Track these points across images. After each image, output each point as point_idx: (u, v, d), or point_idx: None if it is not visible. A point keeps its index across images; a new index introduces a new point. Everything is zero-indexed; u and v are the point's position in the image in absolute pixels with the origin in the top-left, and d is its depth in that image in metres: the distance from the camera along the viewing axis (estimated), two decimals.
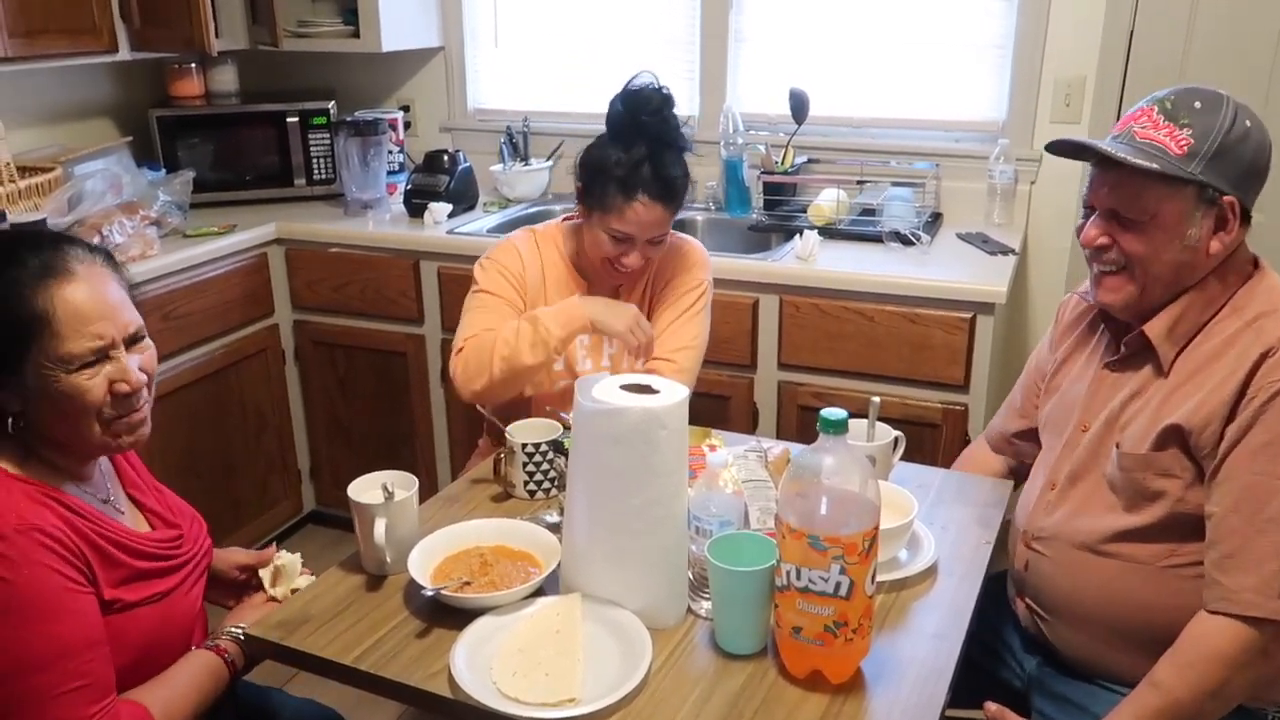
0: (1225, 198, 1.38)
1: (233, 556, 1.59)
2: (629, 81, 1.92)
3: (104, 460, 1.40)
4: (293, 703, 1.66)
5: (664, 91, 1.90)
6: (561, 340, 1.85)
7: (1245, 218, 1.41)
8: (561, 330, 1.84)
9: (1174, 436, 1.38)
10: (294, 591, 1.52)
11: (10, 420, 1.27)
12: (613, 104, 1.93)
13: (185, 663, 1.37)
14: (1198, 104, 1.39)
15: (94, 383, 1.27)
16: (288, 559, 1.55)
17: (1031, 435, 1.71)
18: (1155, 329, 1.44)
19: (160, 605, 1.35)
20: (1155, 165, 1.37)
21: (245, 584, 1.58)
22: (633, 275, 1.99)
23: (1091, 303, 1.57)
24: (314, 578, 1.53)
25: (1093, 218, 1.47)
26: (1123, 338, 1.51)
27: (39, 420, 1.28)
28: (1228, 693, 1.33)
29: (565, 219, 2.10)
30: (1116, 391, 1.50)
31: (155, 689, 1.31)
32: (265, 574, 1.55)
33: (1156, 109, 1.41)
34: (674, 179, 1.91)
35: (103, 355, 1.28)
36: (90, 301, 1.26)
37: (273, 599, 1.52)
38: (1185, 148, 1.37)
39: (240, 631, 1.43)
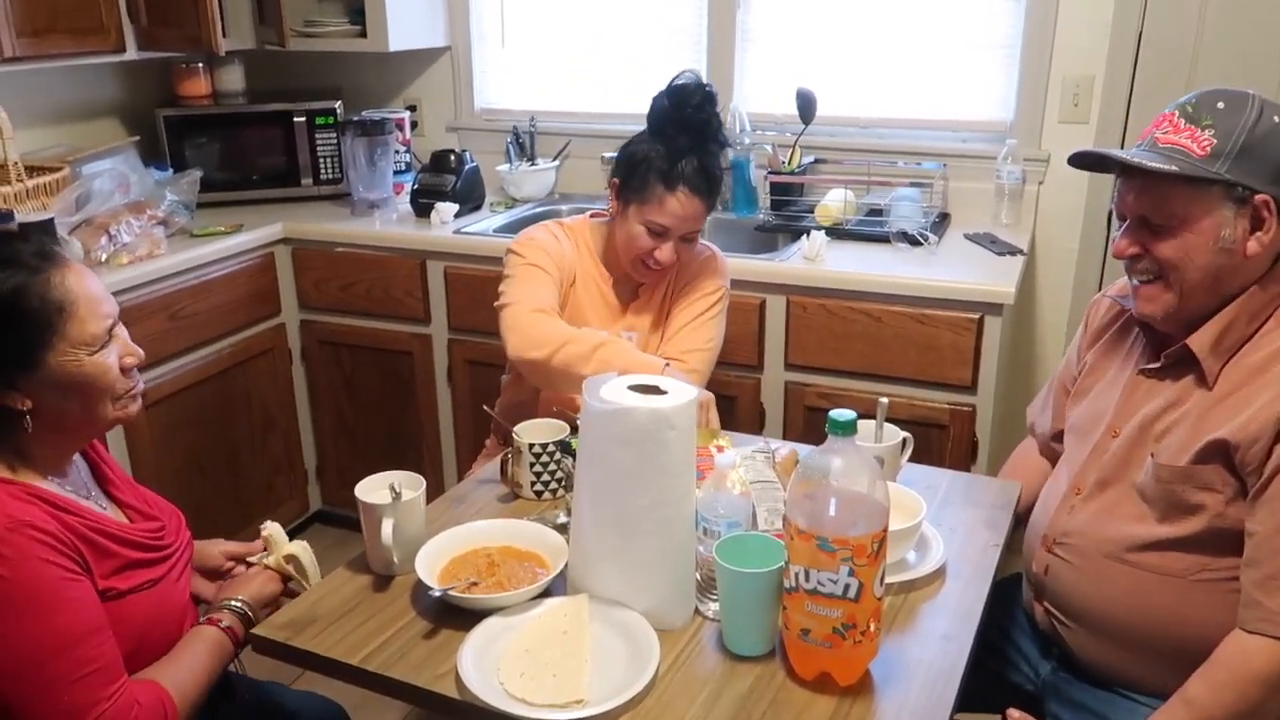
0: (1258, 196, 1.35)
1: (217, 546, 1.62)
2: (674, 78, 1.96)
3: (78, 458, 1.42)
4: (295, 697, 1.68)
5: (708, 88, 1.94)
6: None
7: None
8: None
9: (1218, 451, 1.35)
10: (288, 559, 1.53)
11: (26, 419, 1.28)
12: (657, 99, 1.96)
13: (189, 640, 1.39)
14: (1221, 105, 1.37)
15: (111, 360, 1.33)
16: (273, 528, 1.55)
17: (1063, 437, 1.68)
18: (1200, 342, 1.41)
19: (152, 593, 1.37)
20: (1174, 168, 1.35)
21: (229, 573, 1.60)
22: (656, 275, 2.00)
23: (1126, 307, 1.55)
24: (308, 548, 1.54)
25: (1123, 228, 1.45)
26: (1160, 344, 1.48)
27: (50, 412, 1.29)
28: (1263, 713, 1.31)
29: (592, 215, 2.11)
30: (1151, 399, 1.47)
31: (164, 668, 1.34)
32: (254, 555, 1.56)
33: (1178, 113, 1.39)
34: (714, 173, 1.95)
35: (111, 334, 1.33)
36: (94, 284, 1.33)
37: (268, 568, 1.53)
38: (1208, 148, 1.35)
39: (238, 603, 1.44)
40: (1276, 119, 1.36)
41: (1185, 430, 1.40)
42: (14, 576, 1.18)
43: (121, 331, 1.37)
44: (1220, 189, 1.36)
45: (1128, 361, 1.56)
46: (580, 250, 2.05)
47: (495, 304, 1.95)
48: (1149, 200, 1.40)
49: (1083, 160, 1.50)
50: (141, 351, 1.39)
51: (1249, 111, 1.35)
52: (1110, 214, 1.49)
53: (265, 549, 1.55)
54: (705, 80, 1.95)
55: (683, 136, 1.91)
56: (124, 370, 1.36)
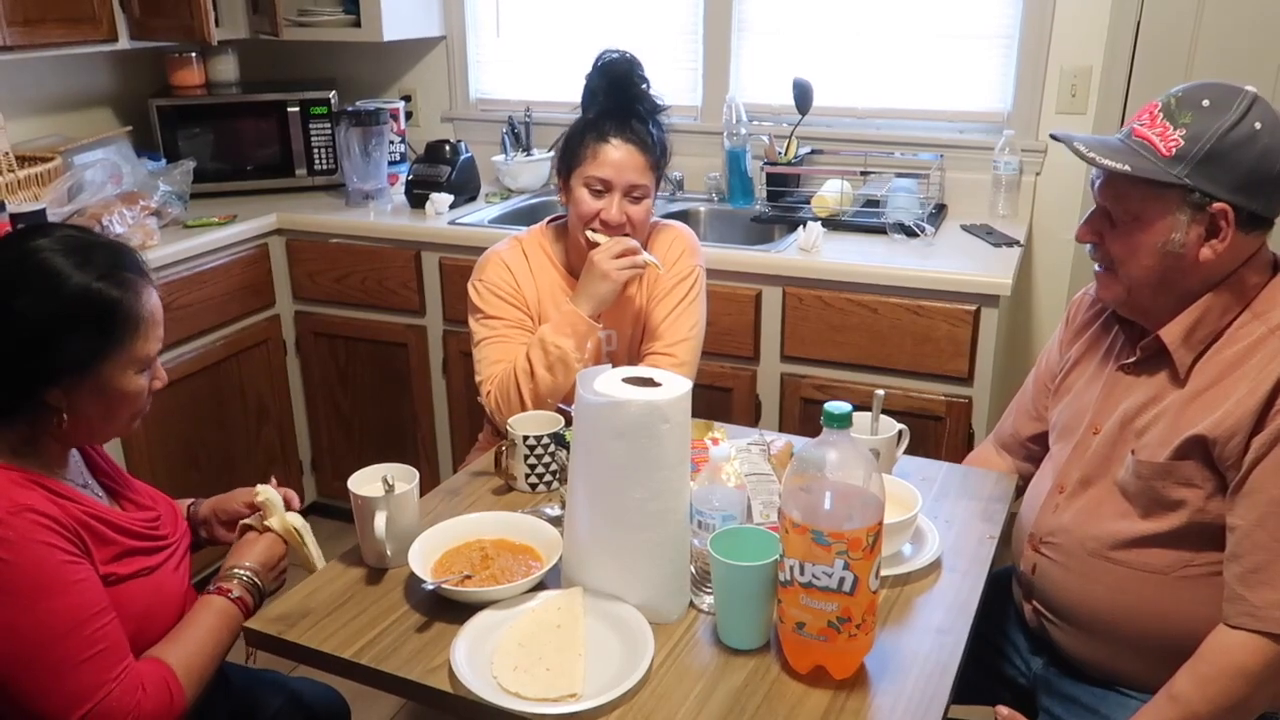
0: (1216, 204, 1.32)
1: (239, 496, 1.58)
2: (597, 58, 1.97)
3: (74, 450, 1.42)
4: (294, 684, 1.68)
5: (628, 55, 1.96)
6: (576, 348, 1.85)
7: (1255, 224, 1.36)
8: (570, 340, 1.84)
9: (1196, 447, 1.34)
10: (297, 531, 1.49)
11: (62, 418, 1.29)
12: (587, 80, 1.98)
13: (197, 612, 1.38)
14: (1206, 102, 1.33)
15: (147, 381, 1.36)
16: (267, 491, 1.51)
17: (1046, 438, 1.67)
18: (1171, 334, 1.40)
19: (150, 579, 1.36)
20: (1125, 167, 1.34)
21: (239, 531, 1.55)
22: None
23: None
24: (305, 525, 1.51)
25: (1088, 214, 1.45)
26: (1138, 340, 1.48)
27: (77, 416, 1.30)
28: (1248, 708, 1.31)
29: (550, 221, 2.08)
30: (1130, 395, 1.46)
31: (171, 645, 1.33)
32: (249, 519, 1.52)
33: (1160, 105, 1.37)
34: (643, 123, 1.94)
35: (156, 355, 1.37)
36: (159, 306, 1.36)
37: (269, 529, 1.49)
38: (1173, 149, 1.33)
39: (245, 572, 1.43)
40: (1257, 125, 1.31)
41: (1164, 426, 1.39)
42: (17, 560, 1.19)
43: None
44: (1177, 193, 1.33)
45: (1108, 358, 1.55)
46: (541, 263, 2.02)
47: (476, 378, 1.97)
48: (1111, 192, 1.40)
49: (1056, 139, 1.50)
50: (166, 376, 1.41)
51: (1230, 114, 1.31)
52: None
53: (261, 512, 1.50)
54: (626, 52, 1.97)
55: (610, 98, 1.94)
56: (150, 392, 1.38)
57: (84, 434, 1.35)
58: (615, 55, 1.95)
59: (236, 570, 1.44)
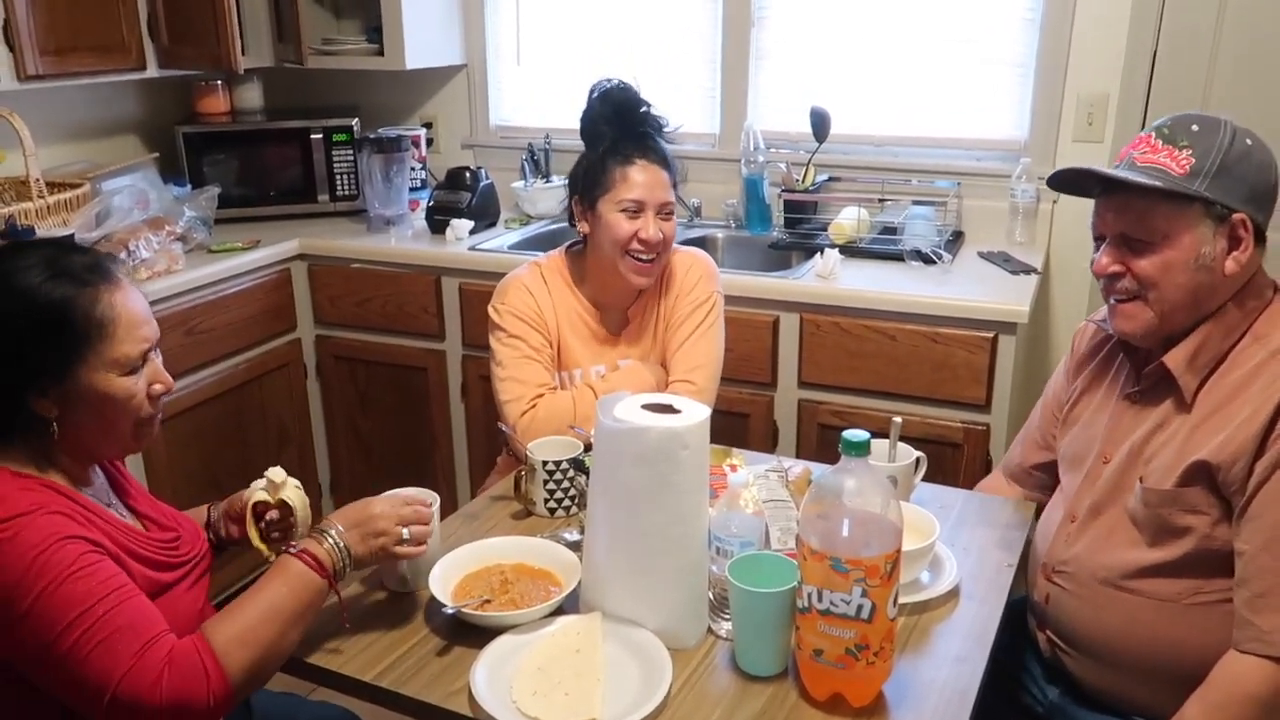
0: (1236, 214, 1.37)
1: (247, 493, 1.54)
2: (592, 89, 2.00)
3: (98, 470, 1.42)
4: (313, 708, 1.67)
5: (623, 82, 1.99)
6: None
7: (1259, 237, 1.40)
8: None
9: (1201, 473, 1.35)
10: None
11: (53, 426, 1.29)
12: (585, 109, 2.00)
13: (266, 578, 1.29)
14: (1195, 127, 1.39)
15: (140, 385, 1.33)
16: (277, 471, 1.50)
17: (1054, 467, 1.67)
18: (1176, 360, 1.41)
19: (164, 598, 1.34)
20: (1158, 182, 1.36)
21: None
22: (651, 270, 1.96)
23: (1109, 331, 1.54)
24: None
25: (1104, 246, 1.46)
26: (1142, 368, 1.48)
27: (74, 425, 1.30)
28: None
29: (568, 247, 2.10)
30: (1138, 424, 1.47)
31: (222, 618, 1.25)
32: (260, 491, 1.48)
33: (1154, 135, 1.41)
34: (660, 143, 1.98)
35: (145, 358, 1.34)
36: (139, 307, 1.34)
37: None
38: (1187, 166, 1.37)
39: (332, 531, 1.34)
40: (1249, 142, 1.38)
41: (1171, 453, 1.40)
42: (31, 552, 1.17)
43: (156, 357, 1.37)
44: (1200, 206, 1.36)
45: (1114, 387, 1.55)
46: (560, 289, 2.02)
47: (497, 397, 1.95)
48: (1130, 217, 1.41)
49: (1062, 180, 1.50)
50: (171, 381, 1.39)
51: (1223, 134, 1.38)
52: None
53: (269, 486, 1.48)
54: (616, 79, 2.00)
55: (619, 124, 1.96)
56: (151, 397, 1.36)
57: (84, 445, 1.33)
58: (612, 83, 1.98)
59: (324, 528, 1.34)
